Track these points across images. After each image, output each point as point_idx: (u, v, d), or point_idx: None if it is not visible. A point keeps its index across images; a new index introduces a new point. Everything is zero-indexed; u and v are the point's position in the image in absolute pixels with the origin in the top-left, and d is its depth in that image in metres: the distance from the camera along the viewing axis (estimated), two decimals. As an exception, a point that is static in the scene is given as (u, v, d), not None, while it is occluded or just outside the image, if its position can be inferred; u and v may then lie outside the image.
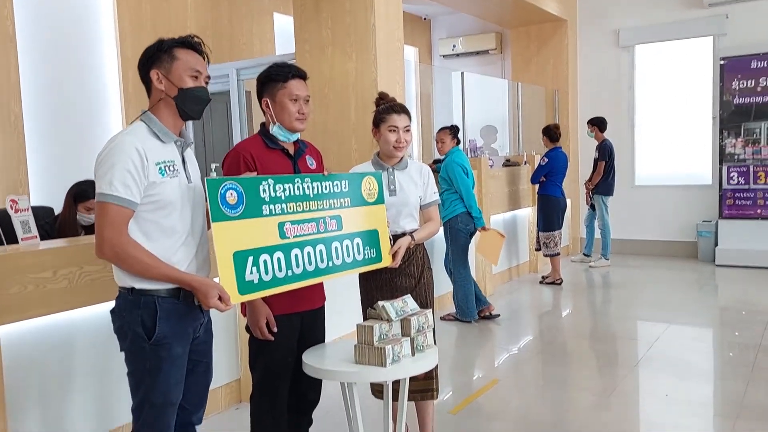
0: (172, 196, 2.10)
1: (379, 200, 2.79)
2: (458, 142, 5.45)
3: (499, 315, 5.58)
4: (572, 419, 3.52)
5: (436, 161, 5.78)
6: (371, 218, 2.74)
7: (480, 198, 6.27)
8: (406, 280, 2.96)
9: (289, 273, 2.38)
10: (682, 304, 6.03)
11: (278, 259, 2.34)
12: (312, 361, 2.50)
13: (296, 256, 2.41)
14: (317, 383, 2.77)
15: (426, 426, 3.13)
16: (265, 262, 2.29)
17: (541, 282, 7.03)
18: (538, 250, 7.08)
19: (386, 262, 2.77)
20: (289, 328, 2.61)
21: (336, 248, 2.57)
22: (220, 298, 2.08)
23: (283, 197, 2.40)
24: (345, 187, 2.65)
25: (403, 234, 2.91)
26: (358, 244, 2.66)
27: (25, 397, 2.80)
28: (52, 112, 5.56)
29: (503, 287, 6.91)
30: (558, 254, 6.89)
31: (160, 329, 2.07)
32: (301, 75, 2.64)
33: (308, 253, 2.46)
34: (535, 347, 4.93)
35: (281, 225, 2.38)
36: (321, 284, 2.74)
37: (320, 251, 2.51)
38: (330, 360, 2.51)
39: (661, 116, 8.45)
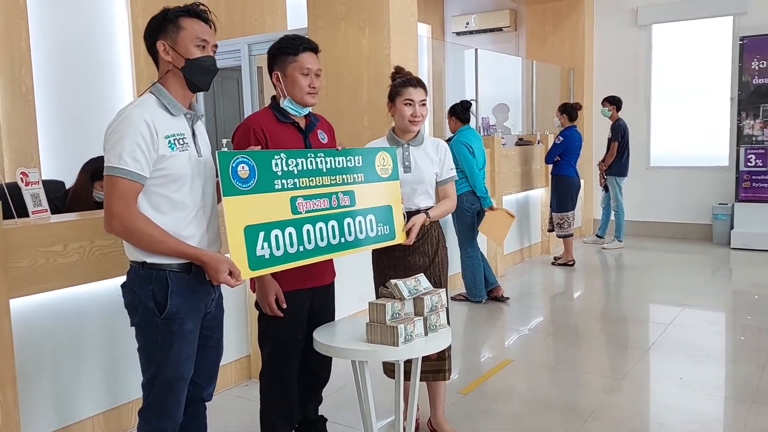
0: (182, 170, 2.06)
1: (394, 176, 2.74)
2: (468, 120, 5.37)
3: (508, 298, 5.53)
4: (584, 402, 3.49)
5: (448, 140, 5.70)
6: (385, 194, 2.69)
7: (492, 178, 6.20)
8: (420, 258, 2.93)
9: (301, 249, 2.35)
10: (696, 288, 5.96)
11: (290, 234, 2.31)
12: (323, 338, 2.48)
13: (308, 231, 2.38)
14: (328, 361, 2.75)
15: (437, 406, 3.11)
16: (276, 237, 2.27)
17: (553, 263, 6.97)
18: (551, 230, 7.02)
19: (400, 239, 2.73)
20: (299, 304, 2.59)
21: (348, 224, 2.53)
22: (230, 274, 2.05)
23: (295, 171, 2.37)
24: (359, 162, 2.61)
25: (418, 211, 2.86)
26: (371, 221, 2.62)
27: (35, 370, 2.80)
28: (63, 84, 5.53)
29: (514, 268, 6.86)
30: (571, 235, 6.83)
31: (171, 304, 2.04)
32: (313, 48, 2.58)
33: (320, 229, 2.43)
34: (546, 329, 4.89)
35: (293, 200, 2.35)
36: (331, 260, 2.71)
37: (332, 227, 2.48)
38: (341, 338, 2.48)
39: (678, 96, 8.30)
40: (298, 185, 2.37)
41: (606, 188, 7.78)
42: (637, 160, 7.98)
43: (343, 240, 2.51)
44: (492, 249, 6.26)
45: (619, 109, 7.53)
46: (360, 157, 2.63)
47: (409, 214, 2.83)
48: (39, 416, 2.82)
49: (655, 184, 8.38)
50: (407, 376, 2.69)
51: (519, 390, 3.68)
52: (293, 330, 2.59)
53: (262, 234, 2.23)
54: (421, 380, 2.89)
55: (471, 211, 5.26)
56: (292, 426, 2.74)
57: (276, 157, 2.32)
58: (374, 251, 2.88)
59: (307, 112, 2.62)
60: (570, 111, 6.76)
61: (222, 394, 3.55)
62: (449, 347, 2.90)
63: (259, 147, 2.37)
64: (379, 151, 2.72)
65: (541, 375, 3.94)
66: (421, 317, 2.46)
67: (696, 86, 8.17)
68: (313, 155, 2.45)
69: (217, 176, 2.16)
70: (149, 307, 2.04)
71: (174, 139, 2.04)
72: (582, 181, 7.19)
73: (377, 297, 2.64)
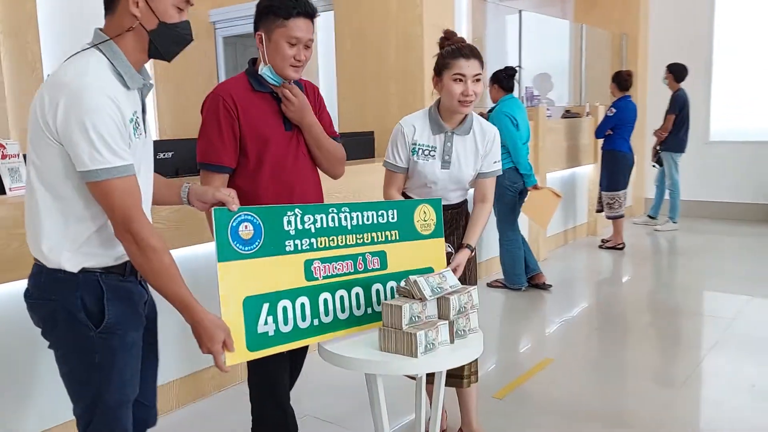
0: (138, 160, 1.64)
1: (437, 233, 2.31)
2: (512, 89, 4.85)
3: (551, 285, 5.04)
4: (634, 413, 3.01)
5: (489, 111, 5.19)
6: (425, 254, 2.27)
7: (535, 153, 5.67)
8: (448, 249, 2.52)
9: (315, 323, 1.98)
10: (762, 275, 5.35)
11: (302, 305, 1.95)
12: (326, 343, 2.06)
13: (325, 301, 2.01)
14: (300, 362, 2.51)
15: (469, 412, 2.71)
16: (284, 309, 1.91)
17: (600, 246, 6.43)
18: (599, 211, 6.46)
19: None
20: None
21: (377, 291, 2.14)
22: (224, 344, 1.68)
23: (312, 230, 2.00)
24: (393, 217, 2.21)
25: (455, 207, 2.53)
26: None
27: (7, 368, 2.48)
28: (72, 50, 5.19)
29: (558, 252, 6.34)
30: (622, 216, 6.27)
31: (110, 313, 1.63)
32: (309, 13, 2.16)
33: (341, 298, 2.05)
34: (591, 321, 4.40)
35: (308, 263, 1.98)
36: None
37: (356, 295, 2.09)
38: (350, 344, 2.06)
39: (742, 65, 7.56)
40: (315, 246, 2.00)
41: (660, 164, 7.15)
42: (694, 133, 7.29)
43: (370, 311, 2.11)
44: (534, 231, 5.76)
45: (679, 79, 6.85)
46: (395, 210, 2.22)
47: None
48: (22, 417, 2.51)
49: (715, 161, 7.69)
50: (429, 378, 2.31)
51: (560, 396, 3.21)
52: None
53: (266, 306, 1.87)
54: (447, 385, 2.52)
55: (513, 190, 4.76)
56: None
57: (289, 213, 1.95)
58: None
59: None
60: (621, 80, 6.15)
61: (198, 405, 3.15)
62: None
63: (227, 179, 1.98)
64: (419, 204, 2.28)
65: (584, 378, 3.47)
66: (447, 321, 2.02)
67: (763, 53, 7.41)
68: (336, 210, 2.06)
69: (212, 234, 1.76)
70: (80, 320, 1.62)
71: (134, 123, 1.61)
72: (636, 157, 6.59)
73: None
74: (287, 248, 1.93)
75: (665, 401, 3.11)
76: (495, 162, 2.55)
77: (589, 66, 7.77)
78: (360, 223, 2.12)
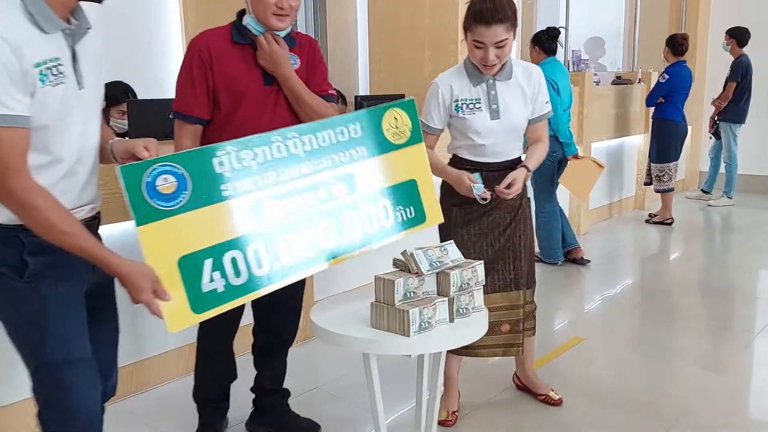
0: (54, 112, 1.47)
1: (415, 139, 2.06)
2: (554, 52, 4.54)
3: (589, 261, 4.77)
4: (670, 401, 2.78)
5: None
6: (404, 166, 2.03)
7: (579, 121, 5.36)
8: (502, 214, 2.40)
9: (276, 266, 1.75)
10: (823, 258, 4.96)
11: (255, 252, 1.72)
12: (317, 317, 1.92)
13: (288, 241, 1.78)
14: (291, 321, 2.40)
15: (525, 360, 2.74)
16: (234, 260, 1.68)
17: (647, 221, 6.09)
18: (648, 184, 6.10)
19: (435, 219, 2.11)
20: None
21: (350, 220, 1.90)
22: (155, 292, 1.54)
23: (254, 166, 1.74)
24: (356, 132, 1.94)
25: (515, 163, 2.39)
26: (385, 207, 1.97)
27: None
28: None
29: (601, 225, 6.03)
30: (672, 189, 5.90)
31: (33, 263, 1.50)
32: None
33: (307, 234, 1.82)
34: (632, 300, 4.14)
35: (257, 205, 1.74)
36: None
37: (324, 229, 1.85)
38: (340, 318, 1.92)
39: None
40: (262, 184, 1.75)
41: (717, 135, 6.69)
42: (756, 103, 6.76)
43: (344, 242, 1.88)
44: (574, 203, 5.47)
45: (742, 43, 6.36)
46: (357, 124, 1.94)
47: (495, 169, 2.37)
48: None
49: (778, 133, 7.17)
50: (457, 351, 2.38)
51: (591, 377, 3.01)
52: None
53: (209, 263, 1.65)
54: (485, 355, 2.51)
55: (551, 159, 4.47)
56: (222, 385, 2.44)
57: (219, 153, 1.69)
58: (444, 205, 2.32)
59: (283, 35, 2.11)
60: (675, 43, 5.73)
61: (177, 382, 2.99)
62: (532, 314, 2.55)
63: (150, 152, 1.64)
64: (387, 110, 2.00)
65: (618, 360, 3.24)
66: (446, 298, 1.85)
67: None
68: (281, 138, 1.79)
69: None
70: (3, 273, 1.50)
71: (46, 68, 1.44)
72: (690, 128, 6.17)
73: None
74: (225, 193, 1.68)
75: (703, 389, 2.87)
76: (546, 102, 2.41)
77: (644, 29, 7.30)
78: (315, 147, 1.85)
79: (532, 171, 2.38)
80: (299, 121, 2.20)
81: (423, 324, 1.77)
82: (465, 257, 2.36)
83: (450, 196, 2.40)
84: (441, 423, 2.50)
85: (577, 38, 6.76)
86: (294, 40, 2.16)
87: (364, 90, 5.71)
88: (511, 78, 2.33)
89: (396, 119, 2.01)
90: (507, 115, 2.33)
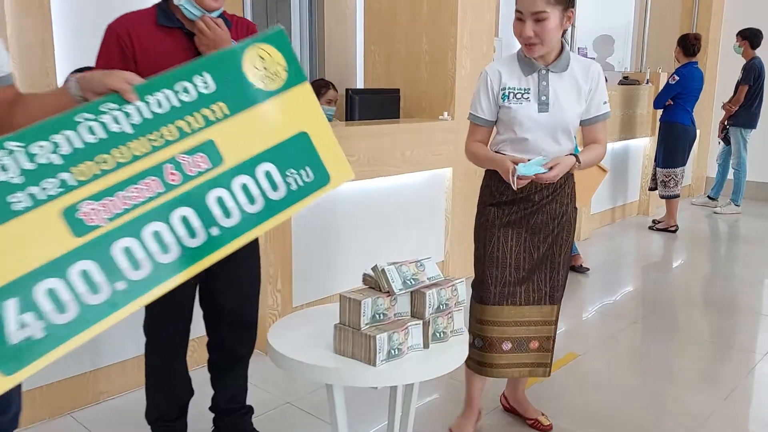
0: None
1: (294, 79, 1.62)
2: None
3: (588, 269, 4.55)
4: (668, 427, 2.57)
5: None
6: (287, 117, 1.61)
7: (584, 121, 5.12)
8: (545, 219, 2.19)
9: (121, 286, 1.33)
10: (834, 273, 4.73)
11: (84, 274, 1.30)
12: (275, 338, 1.71)
13: (127, 250, 1.35)
14: (247, 334, 2.18)
15: (518, 381, 2.52)
16: (52, 292, 1.26)
17: (651, 227, 5.87)
18: (652, 189, 5.88)
19: (342, 176, 1.67)
20: None
21: (219, 199, 1.48)
22: None
23: (57, 161, 1.31)
24: (207, 86, 1.50)
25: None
26: (269, 175, 1.56)
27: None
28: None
29: (602, 231, 5.81)
30: (677, 196, 5.67)
31: None
32: None
33: (155, 235, 1.39)
34: (631, 313, 3.92)
35: (70, 212, 1.31)
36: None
37: (184, 220, 1.43)
38: (302, 340, 1.70)
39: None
40: (71, 184, 1.32)
41: (726, 140, 6.46)
42: (767, 108, 6.53)
43: (216, 232, 1.47)
44: (575, 207, 5.25)
45: (755, 45, 6.11)
46: (206, 73, 1.51)
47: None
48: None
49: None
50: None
51: (581, 398, 2.80)
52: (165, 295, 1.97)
53: (12, 304, 1.22)
54: (510, 376, 2.33)
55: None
56: (176, 403, 2.22)
57: None
58: (482, 205, 2.15)
59: (216, 15, 1.89)
60: (686, 44, 5.49)
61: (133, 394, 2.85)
62: (553, 333, 2.30)
63: None
64: (248, 48, 1.57)
65: (614, 379, 3.03)
66: (420, 321, 1.64)
67: None
68: (92, 116, 1.36)
69: None
70: None
71: None
72: (698, 132, 5.94)
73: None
74: (18, 206, 1.25)
75: (706, 413, 2.66)
76: (604, 102, 2.16)
77: (654, 28, 7.04)
78: (149, 116, 1.42)
79: (582, 165, 2.11)
80: None
81: (392, 351, 1.56)
82: (500, 263, 2.21)
83: (488, 194, 2.22)
84: None
85: (585, 35, 6.51)
86: (229, 22, 1.95)
87: (361, 84, 5.49)
88: (566, 70, 2.10)
89: (262, 59, 1.58)
90: (557, 109, 2.10)
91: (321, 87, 4.22)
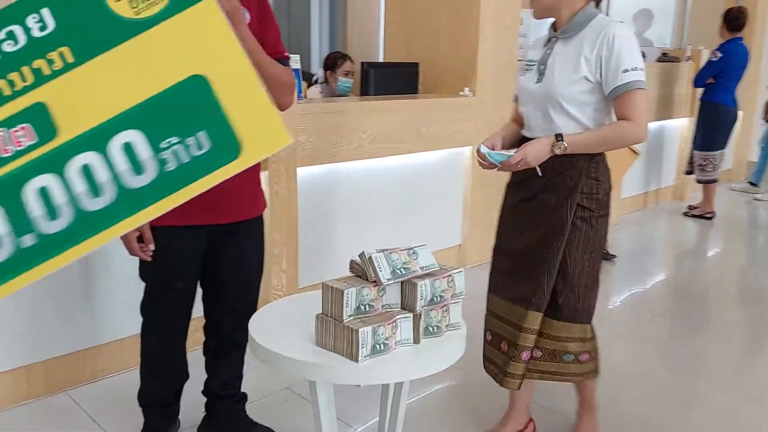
0: None
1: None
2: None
3: (615, 256, 4.33)
4: (693, 427, 2.39)
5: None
6: (172, 55, 1.15)
7: (617, 100, 4.86)
8: (537, 209, 1.97)
9: None
10: None
11: None
12: (257, 327, 1.59)
13: None
14: (245, 319, 1.98)
15: (586, 408, 2.27)
16: None
17: (686, 213, 5.59)
18: (689, 173, 5.58)
19: (271, 143, 1.19)
20: (179, 242, 1.86)
21: (43, 191, 1.10)
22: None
23: None
24: (45, 25, 1.12)
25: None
26: (128, 148, 1.12)
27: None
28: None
29: (633, 216, 5.55)
30: (715, 181, 5.38)
31: None
32: None
33: None
34: (660, 303, 3.71)
35: None
36: (246, 186, 1.90)
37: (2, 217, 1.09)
38: (285, 330, 1.57)
39: None
40: None
41: (771, 123, 6.11)
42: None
43: (29, 242, 1.09)
44: (605, 190, 5.01)
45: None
46: (47, 10, 1.13)
47: None
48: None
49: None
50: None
51: (601, 393, 2.60)
52: (169, 276, 1.92)
53: None
54: (487, 371, 2.12)
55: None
56: (171, 388, 2.15)
57: None
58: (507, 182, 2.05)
59: None
60: (730, 18, 5.15)
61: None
62: (522, 340, 1.97)
63: None
64: None
65: (638, 373, 2.83)
66: (410, 314, 1.49)
67: None
68: None
69: None
70: None
71: None
72: (740, 113, 5.61)
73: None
74: None
75: (738, 414, 2.46)
76: (624, 71, 1.78)
77: (697, 1, 6.66)
78: None
79: (571, 147, 1.82)
80: None
81: (378, 346, 1.42)
82: (498, 248, 2.08)
83: (511, 173, 2.05)
84: None
85: (622, 9, 6.19)
86: None
87: (382, 58, 5.30)
88: (576, 36, 1.86)
89: None
90: (548, 79, 1.88)
91: (337, 59, 4.05)
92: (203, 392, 2.21)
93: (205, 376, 2.19)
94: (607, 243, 4.34)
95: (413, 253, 1.52)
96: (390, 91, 3.65)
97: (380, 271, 1.45)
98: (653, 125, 5.60)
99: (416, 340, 1.50)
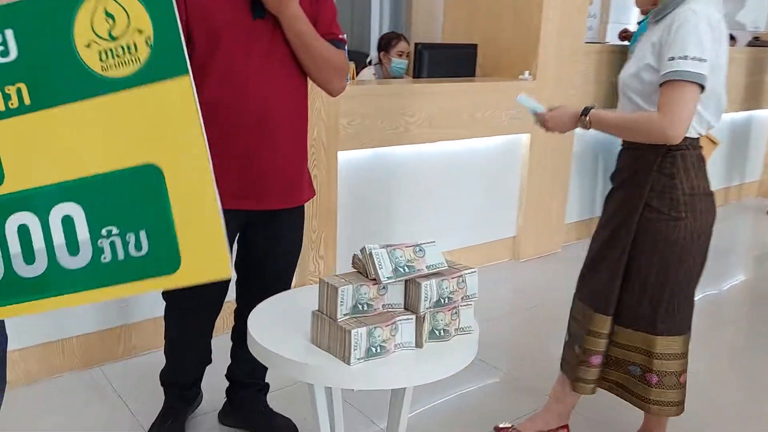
0: None
1: (166, 65, 0.99)
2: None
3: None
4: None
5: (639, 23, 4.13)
6: (132, 133, 1.01)
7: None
8: (612, 205, 1.89)
9: None
10: None
11: None
12: (255, 322, 1.51)
13: None
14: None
15: None
16: None
17: (770, 212, 5.17)
18: (776, 167, 5.14)
19: (210, 271, 1.06)
20: None
21: (4, 239, 1.00)
22: None
23: None
24: (6, 50, 0.96)
25: None
26: (67, 222, 1.01)
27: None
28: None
29: (712, 211, 5.15)
30: (806, 177, 4.93)
31: None
32: None
33: None
34: (736, 308, 3.42)
35: None
36: (289, 173, 1.82)
37: None
38: (284, 326, 1.49)
39: None
40: None
41: None
42: None
43: None
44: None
45: None
46: (10, 32, 0.96)
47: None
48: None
49: None
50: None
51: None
52: None
53: None
54: (614, 392, 1.98)
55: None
56: (192, 374, 2.12)
57: None
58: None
59: None
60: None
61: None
62: (671, 369, 1.86)
63: None
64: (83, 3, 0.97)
65: (705, 388, 2.56)
66: (413, 316, 1.38)
67: None
68: None
69: None
70: None
71: None
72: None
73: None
74: None
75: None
76: (671, 59, 1.61)
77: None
78: None
79: (595, 123, 1.72)
80: (302, 71, 1.77)
81: (373, 348, 1.32)
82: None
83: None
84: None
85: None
86: None
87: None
88: (662, 21, 1.71)
89: (111, 19, 0.96)
90: (627, 65, 1.81)
91: (391, 39, 3.92)
92: (227, 376, 2.18)
93: (229, 360, 2.15)
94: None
95: (420, 250, 1.40)
96: (445, 73, 3.50)
97: (380, 268, 1.34)
98: (739, 115, 5.17)
99: (419, 344, 1.38)
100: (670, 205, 1.75)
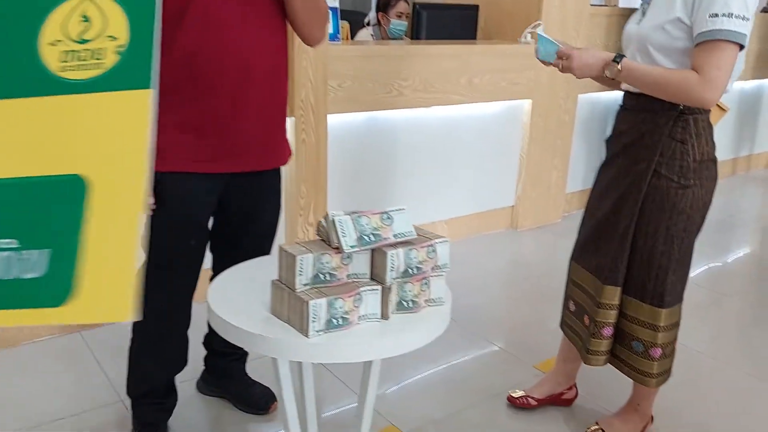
0: None
1: (131, 75, 0.92)
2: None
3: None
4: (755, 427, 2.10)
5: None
6: (71, 141, 0.92)
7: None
8: (614, 173, 1.79)
9: None
10: None
11: None
12: (215, 291, 1.44)
13: None
14: None
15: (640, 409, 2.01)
16: None
17: (781, 183, 5.03)
18: (788, 138, 4.99)
19: (106, 311, 0.97)
20: (192, 193, 1.66)
21: None
22: None
23: None
24: None
25: None
26: None
27: None
28: None
29: (719, 184, 4.95)
30: (818, 148, 4.78)
31: None
32: None
33: None
34: (741, 280, 3.34)
35: None
36: (270, 132, 1.74)
37: None
38: (245, 296, 1.42)
39: None
40: None
41: None
42: None
43: None
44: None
45: None
46: None
47: (626, 102, 1.80)
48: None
49: None
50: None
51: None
52: (180, 231, 1.70)
53: None
54: (613, 364, 1.94)
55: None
56: (170, 373, 1.93)
57: None
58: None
59: None
60: None
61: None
62: (671, 339, 1.82)
63: None
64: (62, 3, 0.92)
65: (707, 366, 2.51)
66: (378, 287, 1.30)
67: None
68: None
69: None
70: None
71: None
72: None
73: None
74: None
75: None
76: (711, 16, 1.50)
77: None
78: None
79: (626, 76, 1.60)
80: (285, 16, 1.66)
81: (334, 320, 1.25)
82: (585, 212, 1.90)
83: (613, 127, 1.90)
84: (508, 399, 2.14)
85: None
86: None
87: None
88: None
89: (87, 20, 0.92)
90: (648, 19, 1.66)
91: (390, -1, 3.78)
92: (204, 345, 2.12)
93: (206, 328, 2.09)
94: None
95: (387, 218, 1.32)
96: (444, 35, 3.38)
97: (343, 236, 1.26)
98: (749, 84, 5.00)
99: (385, 316, 1.31)
100: (680, 172, 1.67)
